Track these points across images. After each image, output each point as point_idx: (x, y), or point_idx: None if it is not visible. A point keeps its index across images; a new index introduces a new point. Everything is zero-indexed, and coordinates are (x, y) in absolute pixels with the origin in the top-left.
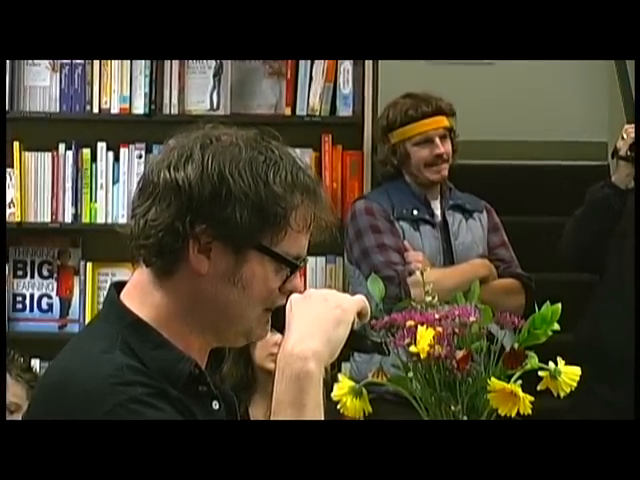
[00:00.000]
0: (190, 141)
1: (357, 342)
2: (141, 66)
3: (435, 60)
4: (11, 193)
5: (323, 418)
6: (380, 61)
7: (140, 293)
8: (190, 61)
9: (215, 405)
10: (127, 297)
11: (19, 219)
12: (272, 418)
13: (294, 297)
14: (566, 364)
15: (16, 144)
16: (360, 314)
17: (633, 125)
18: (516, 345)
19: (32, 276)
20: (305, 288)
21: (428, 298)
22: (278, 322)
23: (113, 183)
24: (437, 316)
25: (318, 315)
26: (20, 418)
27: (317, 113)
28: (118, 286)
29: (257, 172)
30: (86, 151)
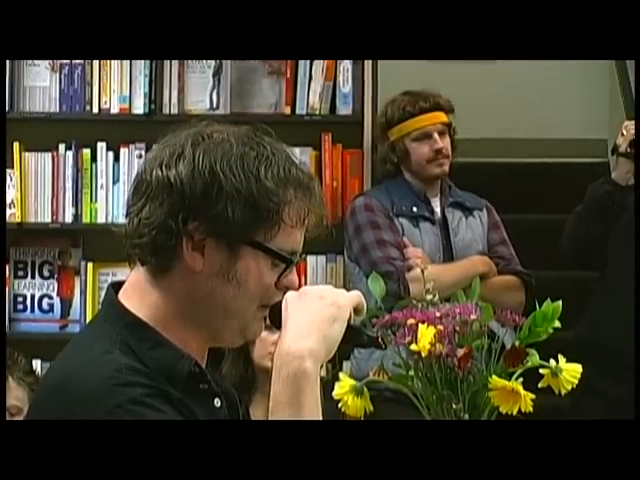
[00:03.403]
0: (181, 139)
1: (354, 337)
2: (141, 66)
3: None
4: (11, 194)
5: (321, 417)
6: (379, 60)
7: (137, 293)
8: (190, 61)
9: (217, 403)
10: (125, 297)
11: (19, 220)
12: (270, 418)
13: (290, 295)
14: (567, 361)
15: (16, 145)
16: (356, 310)
17: (632, 122)
18: (517, 343)
19: (33, 276)
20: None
21: (429, 296)
22: (276, 319)
23: (113, 183)
24: (438, 314)
25: (313, 313)
26: None
27: (317, 112)
28: (116, 286)
29: (248, 168)
30: (86, 151)
